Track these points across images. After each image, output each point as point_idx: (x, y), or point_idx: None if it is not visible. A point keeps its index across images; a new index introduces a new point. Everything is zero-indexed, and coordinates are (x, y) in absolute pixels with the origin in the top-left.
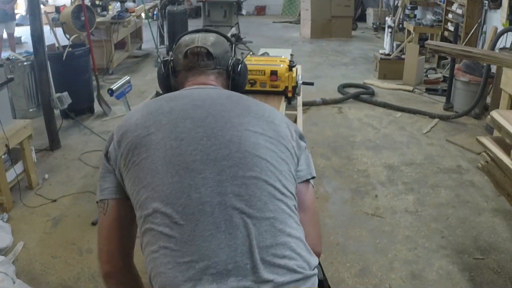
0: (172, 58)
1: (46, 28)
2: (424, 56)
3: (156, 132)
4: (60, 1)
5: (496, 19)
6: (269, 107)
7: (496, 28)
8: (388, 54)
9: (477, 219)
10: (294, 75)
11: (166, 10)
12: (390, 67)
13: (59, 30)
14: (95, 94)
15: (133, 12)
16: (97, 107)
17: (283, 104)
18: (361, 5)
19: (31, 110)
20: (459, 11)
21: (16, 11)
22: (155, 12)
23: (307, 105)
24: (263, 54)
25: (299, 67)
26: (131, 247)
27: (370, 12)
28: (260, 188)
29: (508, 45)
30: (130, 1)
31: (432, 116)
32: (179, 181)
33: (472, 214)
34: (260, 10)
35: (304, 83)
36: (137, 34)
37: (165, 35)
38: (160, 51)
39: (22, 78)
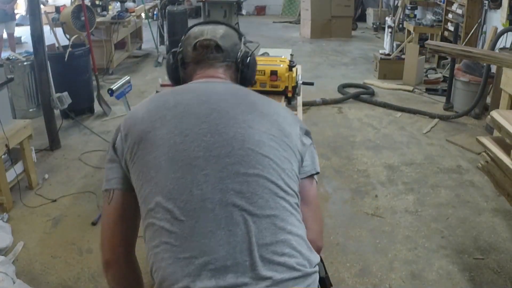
0: (181, 49)
1: (46, 28)
2: (424, 56)
3: (161, 127)
4: (60, 1)
5: (496, 19)
6: (276, 103)
7: (496, 28)
8: (388, 54)
9: (477, 219)
10: (294, 75)
11: (166, 10)
12: (390, 67)
13: (59, 30)
14: (95, 94)
15: (133, 12)
16: (97, 107)
17: (283, 104)
18: (361, 5)
19: (31, 110)
20: (459, 11)
21: (16, 11)
22: (155, 12)
23: (307, 105)
24: (263, 54)
25: (299, 67)
26: (134, 238)
27: (370, 12)
28: (262, 185)
29: (508, 45)
30: (130, 1)
31: (432, 116)
32: (181, 177)
33: (472, 214)
34: (260, 10)
35: (304, 83)
36: (137, 34)
37: (165, 35)
38: (160, 51)
39: (22, 78)
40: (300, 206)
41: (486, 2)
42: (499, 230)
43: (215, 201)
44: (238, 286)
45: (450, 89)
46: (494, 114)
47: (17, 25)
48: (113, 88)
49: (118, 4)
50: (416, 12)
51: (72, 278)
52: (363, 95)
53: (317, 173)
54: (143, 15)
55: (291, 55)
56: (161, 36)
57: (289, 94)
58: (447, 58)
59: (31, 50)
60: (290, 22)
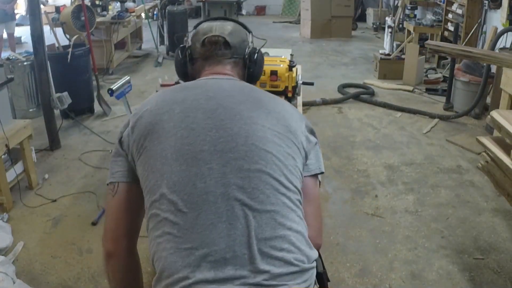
0: (189, 45)
1: (46, 28)
2: (424, 56)
3: (168, 120)
4: (60, 1)
5: (496, 19)
6: (282, 100)
7: (496, 28)
8: (388, 54)
9: (477, 219)
10: (294, 75)
11: (166, 10)
12: (390, 67)
13: (59, 30)
14: (95, 94)
15: (133, 12)
16: (97, 107)
17: None
18: (361, 5)
19: (31, 110)
20: (459, 11)
21: (16, 11)
22: (155, 12)
23: (307, 105)
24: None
25: (299, 67)
26: (137, 230)
27: (370, 12)
28: (264, 181)
29: (508, 45)
30: (130, 1)
31: (432, 116)
32: (186, 169)
33: (472, 214)
34: (260, 10)
35: (304, 83)
36: (137, 34)
37: (165, 35)
38: (160, 51)
39: (22, 78)
40: (302, 203)
41: (486, 2)
42: (499, 230)
43: (218, 195)
44: (237, 279)
45: (450, 89)
46: (494, 114)
47: (17, 25)
48: (113, 88)
49: (118, 4)
50: (416, 12)
51: (72, 278)
52: (363, 95)
53: (322, 172)
54: (143, 15)
55: (291, 55)
56: (161, 36)
57: (289, 94)
58: (447, 58)
59: (31, 50)
60: (290, 22)
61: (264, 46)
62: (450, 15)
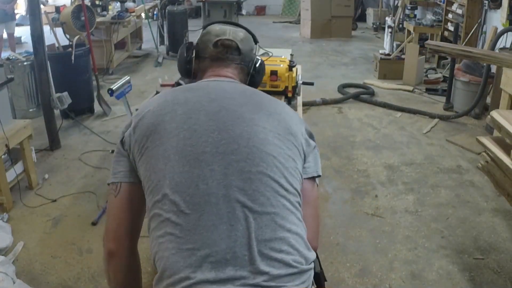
0: (198, 43)
1: (46, 28)
2: (424, 56)
3: (170, 121)
4: (60, 1)
5: (496, 19)
6: (282, 103)
7: (496, 28)
8: (388, 54)
9: (477, 219)
10: (294, 75)
11: (166, 10)
12: (390, 67)
13: (59, 30)
14: (95, 94)
15: (133, 12)
16: (97, 107)
17: None
18: (361, 5)
19: (31, 110)
20: (459, 11)
21: (16, 11)
22: (155, 12)
23: (307, 105)
24: (263, 54)
25: (299, 67)
26: (138, 230)
27: (370, 12)
28: (265, 183)
29: (508, 45)
30: (130, 1)
31: (432, 116)
32: (188, 171)
33: (472, 214)
34: (260, 10)
35: (304, 83)
36: (137, 34)
37: (165, 35)
38: (160, 51)
39: (22, 78)
40: (301, 205)
41: (486, 2)
42: (499, 230)
43: (219, 196)
44: (237, 279)
45: (450, 89)
46: (494, 114)
47: (17, 25)
48: (113, 88)
49: (118, 4)
50: (416, 12)
51: (72, 278)
52: (363, 95)
53: (319, 176)
54: (143, 15)
55: (291, 55)
56: (161, 36)
57: (289, 94)
58: (447, 58)
59: (31, 50)
60: (290, 22)
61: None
62: (450, 15)
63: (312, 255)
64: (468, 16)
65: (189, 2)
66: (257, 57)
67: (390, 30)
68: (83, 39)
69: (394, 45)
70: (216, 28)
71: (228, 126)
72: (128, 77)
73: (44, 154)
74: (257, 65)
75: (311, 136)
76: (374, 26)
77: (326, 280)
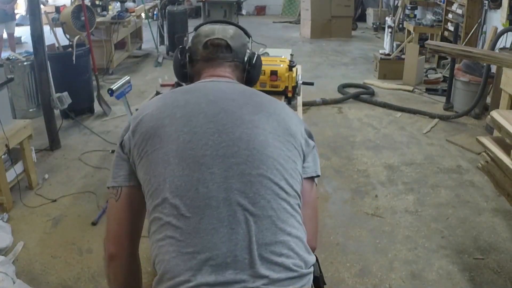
0: (190, 46)
1: (46, 28)
2: (424, 56)
3: (170, 124)
4: (60, 1)
5: (496, 19)
6: (281, 103)
7: (496, 28)
8: (388, 54)
9: (477, 219)
10: (294, 75)
11: (166, 10)
12: (390, 67)
13: (59, 30)
14: (95, 94)
15: (133, 12)
16: (97, 107)
17: None
18: (361, 5)
19: (31, 110)
20: (459, 11)
21: (16, 11)
22: (155, 12)
23: (307, 105)
24: (263, 54)
25: (299, 67)
26: (139, 232)
27: (370, 12)
28: (265, 186)
29: (508, 45)
30: (130, 1)
31: (432, 116)
32: (188, 174)
33: (472, 214)
34: (260, 10)
35: (304, 83)
36: (137, 34)
37: (165, 35)
38: (160, 51)
39: (22, 78)
40: (301, 207)
41: (486, 2)
42: (499, 230)
43: (220, 200)
44: (237, 282)
45: (450, 89)
46: (494, 114)
47: (17, 25)
48: (113, 88)
49: (118, 4)
50: (416, 12)
51: (72, 278)
52: (363, 95)
53: (318, 176)
54: (143, 15)
55: (291, 55)
56: (161, 36)
57: (289, 94)
58: (447, 58)
59: (31, 50)
60: (290, 22)
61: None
62: (450, 15)
63: (312, 259)
64: (468, 16)
65: (189, 2)
66: (253, 51)
67: (390, 30)
68: (83, 39)
69: (394, 45)
70: (205, 28)
71: (228, 129)
72: (128, 77)
73: (44, 154)
74: (252, 60)
75: (310, 136)
76: (374, 26)
77: (325, 284)
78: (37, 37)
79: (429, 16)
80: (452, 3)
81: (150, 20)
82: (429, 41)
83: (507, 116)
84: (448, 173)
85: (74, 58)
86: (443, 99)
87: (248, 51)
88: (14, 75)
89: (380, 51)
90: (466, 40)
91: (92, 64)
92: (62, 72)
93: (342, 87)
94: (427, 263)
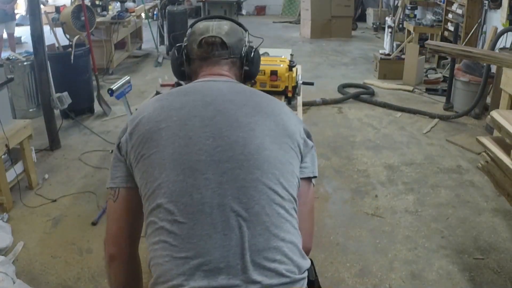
0: (186, 44)
1: (46, 28)
2: (424, 56)
3: (166, 128)
4: (60, 1)
5: (496, 19)
6: (281, 103)
7: (496, 28)
8: (388, 54)
9: (477, 219)
10: (294, 75)
11: (166, 10)
12: (390, 67)
13: (59, 30)
14: (95, 94)
15: (133, 12)
16: (97, 107)
17: None
18: (361, 5)
19: (31, 110)
20: (459, 11)
21: (16, 11)
22: (155, 12)
23: (307, 105)
24: (263, 54)
25: (299, 67)
26: (139, 233)
27: (370, 12)
28: (260, 191)
29: (508, 45)
30: (130, 1)
31: (432, 116)
32: (183, 180)
33: (472, 214)
34: (260, 10)
35: (304, 83)
36: (137, 34)
37: (165, 35)
38: (160, 51)
39: (22, 78)
40: (297, 211)
41: (486, 2)
42: (499, 230)
43: (214, 205)
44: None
45: (450, 89)
46: (494, 114)
47: (17, 25)
48: (113, 88)
49: (118, 4)
50: (416, 12)
51: (72, 278)
52: (363, 95)
53: (315, 177)
54: (143, 15)
55: (291, 55)
56: (161, 36)
57: (289, 94)
58: (447, 58)
59: (31, 50)
60: (290, 22)
61: (262, 45)
62: (450, 15)
63: (306, 264)
64: (468, 16)
65: (189, 2)
66: (250, 46)
67: (390, 30)
68: (83, 39)
69: (394, 45)
70: (200, 26)
71: (224, 133)
72: (128, 77)
73: (44, 154)
74: (250, 55)
75: (309, 136)
76: (374, 26)
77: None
78: (37, 37)
79: (429, 16)
80: (452, 3)
81: (150, 20)
82: (429, 41)
83: (507, 116)
84: (448, 173)
85: (72, 58)
86: (443, 99)
87: (245, 46)
88: (14, 75)
89: (380, 51)
90: (466, 40)
91: (92, 64)
92: (62, 72)
93: (342, 87)
94: (427, 263)
